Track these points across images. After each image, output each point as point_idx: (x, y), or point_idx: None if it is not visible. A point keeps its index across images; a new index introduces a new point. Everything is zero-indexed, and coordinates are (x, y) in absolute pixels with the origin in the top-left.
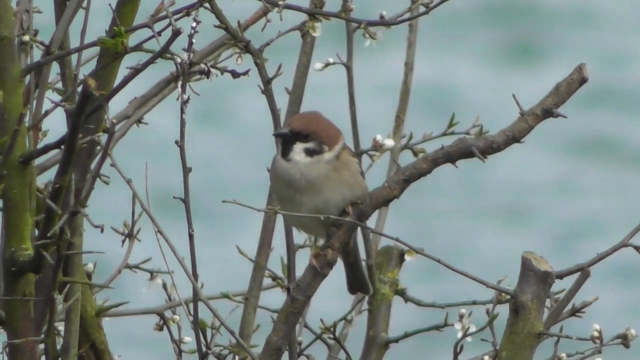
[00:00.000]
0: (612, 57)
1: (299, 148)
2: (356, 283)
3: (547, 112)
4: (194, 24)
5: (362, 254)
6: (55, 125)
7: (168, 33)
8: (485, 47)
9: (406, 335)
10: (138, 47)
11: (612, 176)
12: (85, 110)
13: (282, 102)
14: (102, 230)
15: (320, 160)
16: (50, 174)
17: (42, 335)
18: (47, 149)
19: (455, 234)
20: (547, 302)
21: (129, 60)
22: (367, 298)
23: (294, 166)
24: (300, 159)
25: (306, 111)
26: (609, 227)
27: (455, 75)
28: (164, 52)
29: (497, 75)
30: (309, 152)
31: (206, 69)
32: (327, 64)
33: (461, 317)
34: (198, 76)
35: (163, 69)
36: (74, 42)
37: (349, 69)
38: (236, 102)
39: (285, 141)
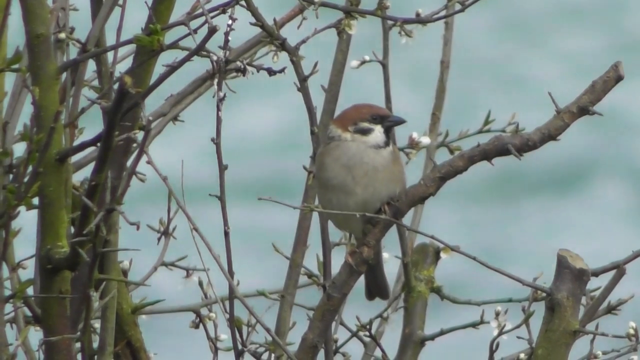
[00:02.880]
0: None
1: (380, 130)
2: (375, 287)
3: (583, 109)
4: (230, 22)
5: (397, 252)
6: (92, 123)
7: (204, 31)
8: None
9: (442, 333)
10: (174, 45)
11: None
12: (122, 108)
13: (318, 100)
14: (138, 228)
15: (387, 149)
16: (87, 171)
17: (78, 333)
18: (83, 146)
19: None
20: (583, 300)
21: (165, 58)
22: (403, 296)
23: (377, 150)
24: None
25: (363, 103)
26: None
27: None
28: (200, 50)
29: None
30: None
31: (242, 66)
32: (364, 62)
33: (497, 314)
34: (234, 74)
35: (199, 67)
36: (110, 40)
37: (385, 66)
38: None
39: (396, 124)
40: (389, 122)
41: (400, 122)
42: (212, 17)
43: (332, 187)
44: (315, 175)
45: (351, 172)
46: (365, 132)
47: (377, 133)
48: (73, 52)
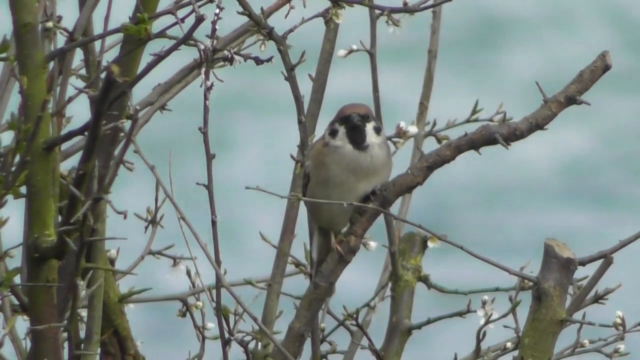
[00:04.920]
0: None
1: (370, 129)
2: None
3: (570, 99)
4: (217, 11)
5: (385, 241)
6: (79, 112)
7: (191, 20)
8: None
9: (429, 322)
10: (161, 34)
11: None
12: (109, 97)
13: (306, 89)
14: (125, 217)
15: (383, 143)
16: (74, 160)
17: (65, 322)
18: (70, 135)
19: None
20: (570, 289)
21: (153, 47)
22: (390, 284)
23: (366, 152)
24: (374, 141)
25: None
26: None
27: None
28: (187, 39)
29: None
30: (377, 130)
31: (230, 55)
32: (351, 51)
33: (484, 303)
34: (221, 63)
35: (186, 56)
36: (98, 29)
37: (372, 55)
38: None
39: (356, 127)
40: (348, 123)
41: (353, 125)
42: (200, 6)
43: (333, 185)
44: (312, 172)
45: (351, 174)
46: (333, 134)
47: (341, 134)
48: (60, 41)
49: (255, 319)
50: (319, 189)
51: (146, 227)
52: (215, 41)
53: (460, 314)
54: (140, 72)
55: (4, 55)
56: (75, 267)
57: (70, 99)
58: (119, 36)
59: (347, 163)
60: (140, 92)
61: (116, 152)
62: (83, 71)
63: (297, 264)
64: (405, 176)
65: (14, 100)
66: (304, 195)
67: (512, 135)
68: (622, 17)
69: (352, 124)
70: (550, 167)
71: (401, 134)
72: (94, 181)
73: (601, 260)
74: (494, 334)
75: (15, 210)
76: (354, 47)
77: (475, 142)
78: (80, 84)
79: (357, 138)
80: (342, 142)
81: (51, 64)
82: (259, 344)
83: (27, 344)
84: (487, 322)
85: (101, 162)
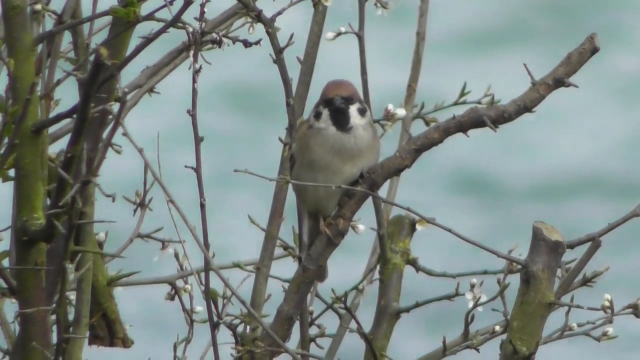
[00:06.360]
0: None
1: (354, 111)
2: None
3: (558, 81)
4: None
5: (373, 224)
6: (67, 95)
7: (180, 2)
8: None
9: (417, 305)
10: (150, 17)
11: None
12: (98, 80)
13: (294, 71)
14: (113, 200)
15: (368, 125)
16: (62, 143)
17: (54, 305)
18: (59, 118)
19: None
20: (558, 272)
21: (141, 30)
22: (378, 268)
23: (349, 134)
24: (358, 122)
25: (334, 80)
26: None
27: None
28: (175, 22)
29: None
30: (361, 112)
31: (218, 38)
32: (339, 34)
33: (472, 286)
34: (210, 45)
35: (175, 39)
36: (86, 11)
37: (360, 38)
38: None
39: (339, 110)
40: (331, 105)
41: (336, 108)
42: None
43: (319, 168)
44: (297, 154)
45: (336, 155)
46: (317, 116)
47: (324, 117)
48: (49, 23)
49: (243, 302)
50: (305, 172)
51: (135, 210)
52: (203, 24)
53: (449, 297)
54: (129, 54)
55: None
56: (64, 250)
57: (59, 82)
58: (108, 19)
59: (331, 145)
60: (128, 74)
61: (104, 134)
62: (71, 54)
63: (286, 247)
64: (393, 159)
65: (1, 83)
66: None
67: (501, 117)
68: None
69: (335, 107)
70: None
71: (389, 116)
72: (82, 164)
73: (589, 243)
74: (483, 317)
75: (3, 193)
76: (342, 29)
77: (463, 125)
78: (69, 66)
79: (340, 120)
80: (326, 124)
81: (39, 47)
82: (248, 327)
83: (15, 327)
84: (476, 305)
85: (89, 145)
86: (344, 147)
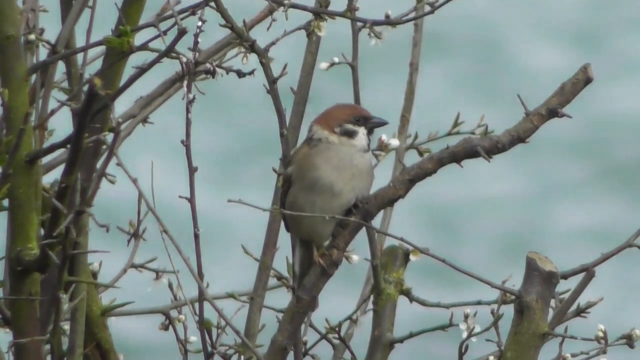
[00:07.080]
0: None
1: (363, 132)
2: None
3: (552, 112)
4: (200, 23)
5: (367, 254)
6: (61, 125)
7: (174, 32)
8: None
9: (411, 335)
10: (144, 47)
11: None
12: (91, 110)
13: (288, 102)
14: (107, 230)
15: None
16: (56, 173)
17: (48, 335)
18: (53, 148)
19: None
20: (552, 303)
21: (135, 60)
22: (372, 298)
23: (364, 153)
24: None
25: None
26: None
27: None
28: (169, 52)
29: None
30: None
31: (212, 68)
32: (333, 64)
33: (466, 317)
34: (203, 75)
35: (169, 69)
36: (80, 41)
37: (354, 68)
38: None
39: (372, 129)
40: (371, 124)
41: (383, 123)
42: (182, 19)
43: (320, 188)
44: (297, 176)
45: (340, 174)
46: (351, 134)
47: (361, 135)
48: (43, 53)
49: (237, 332)
50: (304, 194)
51: (128, 240)
52: (197, 54)
53: (443, 328)
54: (123, 84)
55: None
56: (58, 281)
57: (53, 112)
58: (102, 49)
59: (340, 159)
60: (122, 105)
61: (98, 164)
62: (65, 84)
63: (280, 277)
64: (387, 189)
65: None
66: (283, 203)
67: (494, 148)
68: None
69: (374, 125)
70: None
71: (383, 146)
72: (76, 194)
73: (583, 274)
74: (477, 347)
75: None
76: (336, 59)
77: (457, 155)
78: (63, 96)
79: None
80: (359, 142)
81: (33, 77)
82: (242, 357)
83: (9, 357)
84: (470, 335)
85: (83, 175)
86: (351, 162)
